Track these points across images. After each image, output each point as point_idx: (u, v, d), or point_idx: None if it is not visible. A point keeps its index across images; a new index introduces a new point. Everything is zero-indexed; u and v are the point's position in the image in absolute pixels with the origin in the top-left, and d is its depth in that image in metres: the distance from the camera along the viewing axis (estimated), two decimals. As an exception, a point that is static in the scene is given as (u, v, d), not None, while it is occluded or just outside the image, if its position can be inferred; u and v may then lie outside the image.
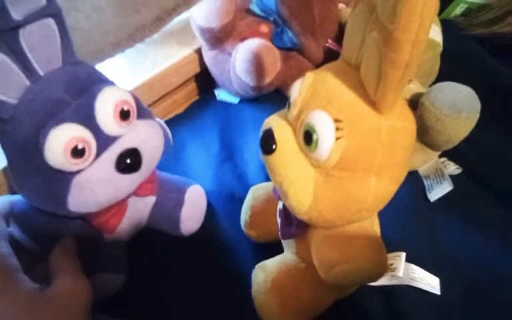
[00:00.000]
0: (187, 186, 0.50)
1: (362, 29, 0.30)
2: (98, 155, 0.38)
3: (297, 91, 0.33)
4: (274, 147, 0.32)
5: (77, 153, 0.36)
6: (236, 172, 0.56)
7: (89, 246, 0.44)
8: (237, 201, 0.50)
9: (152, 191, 0.48)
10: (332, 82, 0.31)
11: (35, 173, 0.38)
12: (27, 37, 0.37)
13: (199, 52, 0.66)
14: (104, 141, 0.38)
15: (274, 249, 0.44)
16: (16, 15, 0.36)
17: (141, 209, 0.48)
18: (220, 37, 0.59)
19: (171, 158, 0.58)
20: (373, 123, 0.30)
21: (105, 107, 0.38)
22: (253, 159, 0.56)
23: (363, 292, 0.42)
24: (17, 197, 0.44)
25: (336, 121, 0.30)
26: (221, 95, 0.67)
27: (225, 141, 0.60)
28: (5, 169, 0.49)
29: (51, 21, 0.39)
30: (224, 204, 0.53)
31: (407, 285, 0.42)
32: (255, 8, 0.62)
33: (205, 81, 0.69)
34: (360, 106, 0.30)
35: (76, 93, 0.38)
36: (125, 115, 0.39)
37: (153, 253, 0.50)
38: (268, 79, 0.58)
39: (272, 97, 0.62)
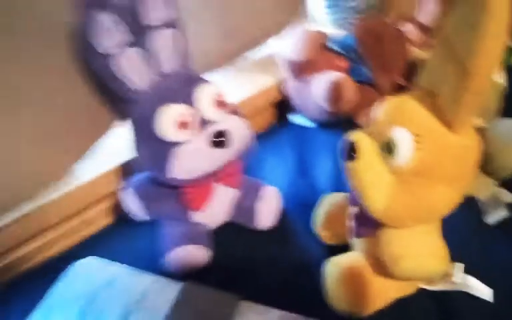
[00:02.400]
0: (264, 186, 0.57)
1: (441, 63, 0.35)
2: (197, 132, 0.46)
3: (379, 111, 0.38)
4: (356, 155, 0.38)
5: (181, 125, 0.44)
6: (308, 184, 0.62)
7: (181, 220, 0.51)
8: (308, 208, 0.55)
9: (236, 184, 0.54)
10: (411, 105, 0.36)
11: (148, 142, 0.46)
12: (157, 40, 0.46)
13: (279, 81, 0.73)
14: (203, 122, 0.46)
15: (341, 249, 0.48)
16: (154, 21, 0.45)
17: (225, 198, 0.55)
18: (302, 69, 0.66)
19: (250, 170, 0.64)
20: (445, 140, 0.35)
21: (206, 96, 0.46)
22: (324, 174, 0.62)
23: (421, 294, 0.45)
24: (139, 177, 0.53)
25: (414, 135, 0.35)
26: (297, 119, 0.73)
27: (299, 158, 0.66)
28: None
29: (174, 32, 0.48)
30: (297, 209, 0.58)
31: (462, 292, 0.45)
32: (334, 45, 0.68)
33: (283, 107, 0.76)
34: (435, 125, 0.35)
35: (186, 85, 0.47)
36: (220, 104, 0.47)
37: (233, 242, 0.55)
38: (343, 106, 0.63)
39: (344, 124, 0.68)
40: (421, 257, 0.38)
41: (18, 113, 0.47)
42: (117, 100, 0.51)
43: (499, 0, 0.28)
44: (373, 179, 0.37)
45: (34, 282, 0.53)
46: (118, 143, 0.56)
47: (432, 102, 0.36)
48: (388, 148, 0.36)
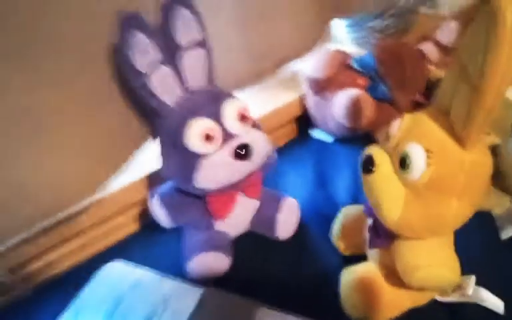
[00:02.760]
0: (284, 197, 0.59)
1: (454, 82, 0.37)
2: (221, 145, 0.48)
3: (396, 127, 0.40)
4: (373, 168, 0.39)
5: (207, 138, 0.47)
6: (327, 197, 0.63)
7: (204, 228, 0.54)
8: (326, 220, 0.57)
9: (257, 194, 0.57)
10: (426, 122, 0.38)
11: (176, 153, 0.49)
12: (186, 59, 0.49)
13: (301, 98, 0.75)
14: (227, 136, 0.49)
15: (358, 260, 0.50)
16: (183, 41, 0.48)
17: (246, 208, 0.57)
18: (323, 86, 0.68)
19: (271, 182, 0.66)
20: (458, 156, 0.36)
21: (230, 111, 0.49)
22: (343, 187, 0.63)
23: (434, 305, 0.46)
24: (164, 186, 0.56)
25: (427, 151, 0.36)
26: (316, 134, 0.75)
27: (318, 171, 0.68)
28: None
29: (204, 52, 0.51)
30: (315, 220, 0.60)
31: (474, 304, 0.46)
32: (354, 64, 0.70)
33: (303, 122, 0.78)
34: (448, 141, 0.36)
35: (212, 100, 0.50)
36: (243, 118, 0.50)
37: (253, 251, 0.57)
38: (362, 122, 0.65)
39: (362, 139, 0.69)
40: (434, 267, 0.39)
41: (61, 130, 0.51)
42: (150, 116, 0.54)
43: (510, 22, 0.30)
44: (389, 191, 0.38)
45: (65, 284, 0.56)
46: (147, 155, 0.58)
47: (445, 119, 0.37)
48: (402, 162, 0.37)
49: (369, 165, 0.39)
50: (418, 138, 0.37)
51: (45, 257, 0.58)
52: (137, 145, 0.58)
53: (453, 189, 0.36)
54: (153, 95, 0.48)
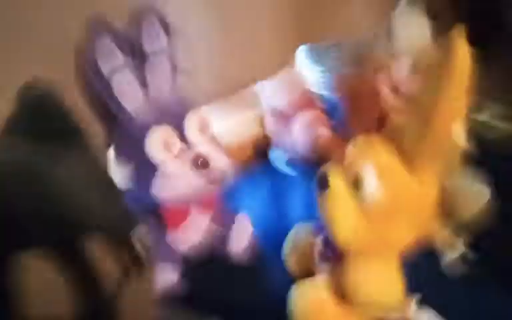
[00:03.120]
0: (237, 213, 0.60)
1: (407, 115, 0.39)
2: (180, 155, 0.49)
3: (350, 148, 0.42)
4: (327, 186, 0.41)
5: (168, 147, 0.48)
6: (281, 217, 0.64)
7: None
8: (279, 238, 0.57)
9: (210, 210, 0.57)
10: (379, 145, 0.40)
11: (135, 162, 0.49)
12: (152, 67, 0.50)
13: (260, 118, 0.77)
14: (187, 146, 0.49)
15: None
16: (149, 49, 0.49)
17: (200, 222, 0.56)
18: (282, 111, 0.70)
19: (226, 200, 0.67)
20: (405, 181, 0.38)
21: (192, 122, 0.50)
22: (298, 208, 0.64)
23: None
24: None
25: (379, 173, 0.38)
26: (274, 155, 0.76)
27: (275, 193, 0.69)
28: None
29: (169, 62, 0.51)
30: (268, 240, 0.60)
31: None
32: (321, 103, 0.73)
33: (261, 144, 0.79)
34: (398, 167, 0.38)
35: (174, 108, 0.51)
36: (204, 130, 0.51)
37: (205, 268, 0.57)
38: (318, 148, 0.67)
39: (318, 162, 0.71)
40: (379, 284, 0.40)
41: None
42: (107, 124, 0.53)
43: (460, 69, 0.33)
44: (341, 209, 0.40)
45: None
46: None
47: (397, 145, 0.40)
48: (355, 182, 0.39)
49: (323, 183, 0.41)
50: (370, 159, 0.39)
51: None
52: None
53: (402, 212, 0.38)
54: (114, 98, 0.47)
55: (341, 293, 0.44)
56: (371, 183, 0.38)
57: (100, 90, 0.47)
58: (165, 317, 0.49)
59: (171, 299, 0.53)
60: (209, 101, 0.63)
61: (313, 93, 0.74)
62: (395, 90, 0.76)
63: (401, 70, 0.78)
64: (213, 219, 0.58)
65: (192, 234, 0.56)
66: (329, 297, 0.46)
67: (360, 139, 0.41)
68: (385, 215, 0.38)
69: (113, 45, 0.46)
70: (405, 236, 0.39)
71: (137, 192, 0.51)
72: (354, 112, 0.70)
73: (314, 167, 0.71)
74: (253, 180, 0.73)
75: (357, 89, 0.70)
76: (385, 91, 0.72)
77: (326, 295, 0.46)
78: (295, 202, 0.66)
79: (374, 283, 0.40)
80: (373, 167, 0.39)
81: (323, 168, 0.43)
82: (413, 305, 0.47)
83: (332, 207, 0.40)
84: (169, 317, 0.49)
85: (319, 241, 0.48)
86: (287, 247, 0.54)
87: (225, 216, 0.58)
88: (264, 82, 0.70)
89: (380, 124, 0.72)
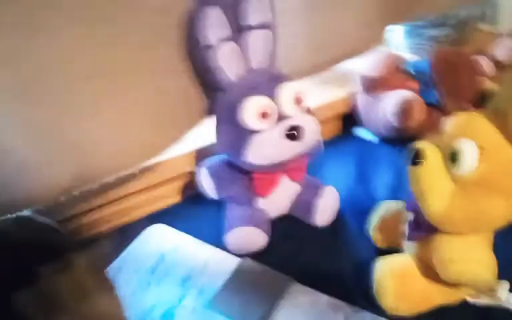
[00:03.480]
0: (325, 185, 0.61)
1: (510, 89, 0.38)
2: (274, 124, 0.50)
3: (449, 124, 0.41)
4: (422, 160, 0.40)
5: (263, 115, 0.49)
6: (366, 192, 0.64)
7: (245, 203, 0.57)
8: (363, 213, 0.58)
9: (300, 178, 0.59)
10: (481, 121, 0.39)
11: (231, 127, 0.52)
12: (252, 38, 0.52)
13: (349, 95, 0.77)
14: (281, 116, 0.51)
15: (391, 253, 0.50)
16: (252, 21, 0.51)
17: (288, 190, 0.59)
18: (376, 85, 0.69)
19: (314, 170, 0.68)
20: (508, 156, 0.37)
21: (287, 93, 0.51)
22: (383, 184, 0.64)
23: (464, 306, 0.47)
24: (214, 159, 0.59)
25: (480, 148, 0.37)
26: (361, 133, 0.76)
27: (360, 168, 0.69)
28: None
29: (270, 34, 0.53)
30: (353, 213, 0.61)
31: (504, 310, 0.46)
32: (408, 68, 0.71)
33: (349, 120, 0.80)
34: (502, 142, 0.37)
35: (271, 81, 0.52)
36: (299, 102, 0.52)
37: (290, 233, 0.59)
38: (412, 123, 0.66)
39: (406, 141, 0.70)
40: (470, 263, 0.40)
41: (126, 94, 0.53)
42: (210, 92, 0.56)
43: None
44: (435, 184, 0.39)
45: (112, 241, 0.58)
46: (200, 131, 0.61)
47: (501, 122, 0.38)
48: (452, 157, 0.38)
49: (418, 157, 0.40)
50: (471, 135, 0.38)
51: (94, 215, 0.62)
52: (195, 119, 0.60)
53: (500, 188, 0.37)
54: (218, 68, 0.50)
55: (429, 271, 0.44)
56: (472, 158, 0.37)
57: (205, 59, 0.50)
58: (244, 266, 0.52)
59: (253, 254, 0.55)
60: (304, 75, 0.64)
61: (405, 69, 0.72)
62: (496, 67, 0.72)
63: (504, 47, 0.74)
64: (302, 189, 0.60)
65: (280, 200, 0.59)
66: (416, 272, 0.46)
67: (460, 115, 0.40)
68: (485, 191, 0.37)
69: (222, 16, 0.49)
70: (501, 214, 0.38)
71: (231, 157, 0.54)
72: (451, 88, 0.67)
73: (404, 143, 0.70)
74: (341, 153, 0.73)
75: (455, 64, 0.67)
76: (486, 68, 0.68)
77: (413, 271, 0.46)
78: (382, 177, 0.66)
79: (467, 262, 0.40)
80: (475, 141, 0.37)
81: (417, 143, 0.43)
82: (505, 288, 0.45)
83: (426, 182, 0.40)
84: (247, 267, 0.52)
85: (407, 217, 0.48)
86: (373, 220, 0.55)
87: (312, 186, 0.60)
88: (357, 59, 0.70)
89: (478, 101, 0.68)
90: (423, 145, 0.41)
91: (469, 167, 0.37)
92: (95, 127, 0.51)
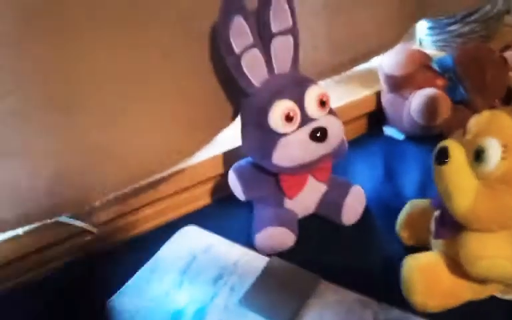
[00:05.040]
0: (352, 184, 0.61)
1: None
2: (299, 127, 0.52)
3: (474, 122, 0.42)
4: (447, 159, 0.41)
5: (288, 118, 0.51)
6: (394, 190, 0.65)
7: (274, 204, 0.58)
8: (391, 211, 0.58)
9: (326, 178, 0.60)
10: (505, 118, 0.39)
11: (257, 131, 0.53)
12: (275, 44, 0.53)
13: (376, 94, 0.77)
14: (305, 118, 0.52)
15: (420, 251, 0.51)
16: (274, 28, 0.52)
17: (315, 190, 0.60)
18: (400, 84, 0.69)
19: (340, 170, 0.69)
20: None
21: (312, 96, 0.52)
22: (411, 182, 0.65)
23: (492, 301, 0.47)
24: (241, 161, 0.61)
25: (503, 145, 0.38)
26: (388, 131, 0.77)
27: (387, 166, 0.70)
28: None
29: (291, 39, 0.54)
30: (380, 211, 0.62)
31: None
32: (434, 64, 0.71)
33: (375, 119, 0.80)
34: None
35: (295, 84, 0.53)
36: (323, 104, 0.53)
37: (318, 232, 0.60)
38: (437, 121, 0.66)
39: (433, 139, 0.69)
40: (499, 258, 0.40)
41: (156, 98, 0.55)
42: (236, 96, 0.58)
43: None
44: (460, 182, 0.40)
45: (144, 244, 0.62)
46: (227, 133, 0.63)
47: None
48: (477, 155, 0.39)
49: (443, 156, 0.41)
50: (495, 133, 0.39)
51: (128, 218, 0.65)
52: (223, 122, 0.62)
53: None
54: (243, 75, 0.52)
55: (457, 267, 0.44)
56: (496, 155, 0.38)
57: (231, 65, 0.52)
58: (272, 265, 0.53)
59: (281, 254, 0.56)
60: (326, 76, 0.65)
61: (432, 68, 0.72)
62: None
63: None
64: (328, 188, 0.61)
65: (307, 200, 0.60)
66: (444, 269, 0.46)
67: (486, 113, 0.41)
68: (508, 186, 0.38)
69: (245, 23, 0.51)
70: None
71: (258, 160, 0.56)
72: (478, 85, 0.67)
73: (430, 141, 0.70)
74: (368, 152, 0.74)
75: (482, 61, 0.67)
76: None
77: (441, 267, 0.46)
78: (409, 175, 0.66)
79: (495, 257, 0.40)
80: (499, 139, 0.38)
81: (442, 141, 0.43)
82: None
83: (452, 180, 0.40)
84: (276, 266, 0.53)
85: (435, 215, 0.49)
86: (401, 219, 0.55)
87: (339, 185, 0.61)
88: (383, 57, 0.70)
89: (506, 98, 0.68)
90: (448, 143, 0.42)
91: (493, 165, 0.38)
92: (126, 133, 0.53)
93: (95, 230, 0.62)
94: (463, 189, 0.40)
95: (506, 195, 0.38)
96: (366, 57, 0.67)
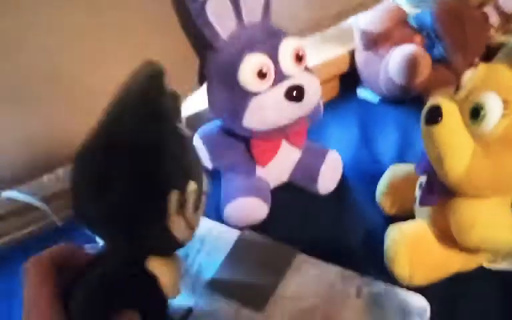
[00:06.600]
0: (328, 150, 0.57)
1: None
2: (273, 85, 0.46)
3: (468, 77, 0.38)
4: (440, 118, 0.37)
5: (261, 75, 0.45)
6: (372, 156, 0.62)
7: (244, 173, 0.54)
8: (370, 178, 0.55)
9: (301, 143, 0.55)
10: (503, 72, 0.35)
11: (226, 90, 0.48)
12: None
13: (349, 53, 0.73)
14: (280, 75, 0.47)
15: (402, 220, 0.48)
16: None
17: (289, 156, 0.56)
18: (377, 40, 0.65)
19: (314, 135, 0.65)
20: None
21: (287, 49, 0.47)
22: (389, 149, 0.62)
23: (481, 271, 0.45)
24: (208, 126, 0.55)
25: (504, 101, 0.34)
26: (362, 93, 0.73)
27: (363, 130, 0.66)
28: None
29: None
30: (358, 178, 0.58)
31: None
32: (411, 21, 0.67)
33: (348, 80, 0.76)
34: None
35: (268, 36, 0.47)
36: (299, 59, 0.47)
37: (292, 202, 0.56)
38: (417, 80, 0.63)
39: (409, 102, 0.67)
40: (492, 227, 0.37)
41: (118, 57, 0.49)
42: (202, 52, 0.52)
43: None
44: (456, 143, 0.36)
45: None
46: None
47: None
48: (475, 112, 0.35)
49: (435, 115, 0.37)
50: (495, 87, 0.35)
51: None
52: (187, 83, 0.56)
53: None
54: (208, 24, 0.46)
55: (445, 237, 0.42)
56: (496, 112, 0.34)
57: (195, 14, 0.46)
58: (244, 239, 0.49)
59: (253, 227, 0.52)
60: (303, 33, 0.60)
61: (410, 25, 0.68)
62: (504, 16, 0.68)
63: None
64: (303, 155, 0.56)
65: (280, 168, 0.56)
66: (431, 239, 0.43)
67: (480, 66, 0.37)
68: (509, 148, 0.34)
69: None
70: (528, 174, 0.35)
71: (227, 122, 0.51)
72: (457, 41, 0.64)
73: (406, 104, 0.67)
74: (342, 116, 0.70)
75: (461, 16, 0.64)
76: (494, 21, 0.65)
77: (427, 237, 0.44)
78: (387, 139, 0.63)
79: (490, 226, 0.37)
80: (499, 94, 0.34)
81: (433, 99, 0.39)
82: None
83: (446, 141, 0.37)
84: (248, 239, 0.49)
85: (420, 181, 0.45)
86: (382, 186, 0.52)
87: (314, 151, 0.57)
88: (360, 15, 0.65)
89: (487, 57, 0.65)
90: (439, 100, 0.38)
91: (492, 123, 0.34)
92: (82, 94, 0.48)
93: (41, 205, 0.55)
94: (457, 151, 0.36)
95: (506, 157, 0.35)
96: (348, 13, 0.62)
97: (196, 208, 0.31)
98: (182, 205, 0.30)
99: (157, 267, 0.31)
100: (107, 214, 0.28)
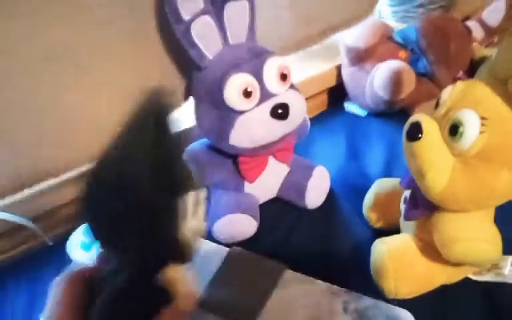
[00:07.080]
0: (315, 165, 0.58)
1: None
2: (259, 103, 0.47)
3: (447, 94, 0.38)
4: (420, 135, 0.38)
5: (246, 94, 0.46)
6: (359, 169, 0.62)
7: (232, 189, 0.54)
8: (357, 192, 0.55)
9: (288, 159, 0.56)
10: (481, 89, 0.36)
11: (213, 109, 0.48)
12: (229, 11, 0.48)
13: (336, 68, 0.74)
14: (265, 94, 0.48)
15: (388, 234, 0.48)
16: None
17: (277, 172, 0.56)
18: (362, 57, 0.66)
19: (301, 150, 0.65)
20: (512, 126, 0.34)
21: (271, 68, 0.48)
22: (375, 161, 0.62)
23: (467, 283, 0.45)
24: (195, 144, 0.56)
25: (482, 118, 0.35)
26: (350, 107, 0.74)
27: (350, 144, 0.67)
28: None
29: (246, 4, 0.50)
30: (345, 192, 0.59)
31: (508, 285, 0.44)
32: (396, 36, 0.68)
33: (335, 94, 0.77)
34: (504, 110, 0.34)
35: (253, 56, 0.48)
36: (284, 77, 0.48)
37: (281, 218, 0.57)
38: (402, 95, 0.63)
39: (396, 115, 0.68)
40: (475, 241, 0.38)
41: (100, 73, 0.50)
42: (188, 72, 0.52)
43: None
44: (435, 160, 0.37)
45: None
46: (178, 112, 0.57)
47: (502, 88, 0.36)
48: (454, 129, 0.36)
49: (415, 132, 0.38)
50: (472, 104, 0.36)
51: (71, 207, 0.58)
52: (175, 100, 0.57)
53: (506, 159, 0.35)
54: (194, 45, 0.47)
55: (429, 250, 0.42)
56: (474, 129, 0.35)
57: (180, 34, 0.46)
58: (233, 256, 0.49)
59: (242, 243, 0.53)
60: (289, 50, 0.61)
61: (395, 41, 0.69)
62: (488, 30, 0.70)
63: (495, 10, 0.72)
64: (290, 170, 0.57)
65: (268, 184, 0.56)
66: (416, 253, 0.44)
67: (458, 84, 0.38)
68: (488, 163, 0.35)
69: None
70: (506, 186, 0.36)
71: (214, 141, 0.51)
72: (441, 56, 0.65)
73: (393, 117, 0.68)
74: (329, 130, 0.71)
75: (445, 31, 0.65)
76: (478, 35, 0.66)
77: (412, 251, 0.44)
78: (374, 153, 0.64)
79: (472, 240, 0.38)
80: (476, 111, 0.35)
81: (413, 116, 0.40)
82: (508, 263, 0.44)
83: (426, 157, 0.37)
84: (237, 256, 0.49)
85: (405, 195, 0.46)
86: (368, 200, 0.52)
87: (301, 166, 0.57)
88: (345, 31, 0.66)
89: (470, 70, 0.67)
90: (420, 117, 0.39)
91: (471, 140, 0.35)
92: (57, 111, 0.49)
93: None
94: (438, 167, 0.37)
95: (485, 172, 0.35)
96: (333, 30, 0.63)
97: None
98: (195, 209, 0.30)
99: (175, 276, 0.30)
100: (119, 225, 0.28)
